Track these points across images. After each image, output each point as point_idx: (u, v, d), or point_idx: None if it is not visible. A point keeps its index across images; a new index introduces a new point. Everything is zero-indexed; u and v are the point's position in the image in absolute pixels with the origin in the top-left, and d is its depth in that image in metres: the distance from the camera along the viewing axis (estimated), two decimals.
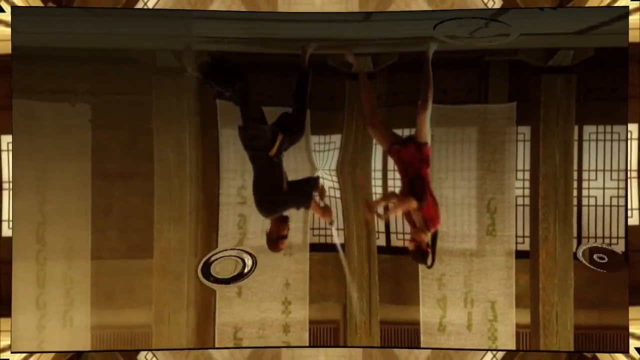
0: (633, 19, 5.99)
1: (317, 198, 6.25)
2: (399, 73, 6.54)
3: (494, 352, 6.41)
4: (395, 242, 6.64)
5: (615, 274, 6.32)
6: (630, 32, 5.99)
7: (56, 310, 6.28)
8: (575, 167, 6.42)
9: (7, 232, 6.17)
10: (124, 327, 6.41)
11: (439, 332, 6.62)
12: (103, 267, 6.35)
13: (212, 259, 6.55)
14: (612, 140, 6.37)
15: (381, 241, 6.64)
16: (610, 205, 6.40)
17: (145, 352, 6.34)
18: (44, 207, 6.26)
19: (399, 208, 6.13)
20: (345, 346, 6.58)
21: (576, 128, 6.40)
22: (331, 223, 6.37)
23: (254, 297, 6.68)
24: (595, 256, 6.35)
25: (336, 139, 6.29)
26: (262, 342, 6.57)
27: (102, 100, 6.35)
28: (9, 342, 6.09)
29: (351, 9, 6.09)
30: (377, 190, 6.50)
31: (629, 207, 6.27)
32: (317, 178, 6.38)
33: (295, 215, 6.38)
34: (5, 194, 6.19)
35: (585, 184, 6.44)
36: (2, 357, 6.07)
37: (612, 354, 6.21)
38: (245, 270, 6.55)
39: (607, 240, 6.43)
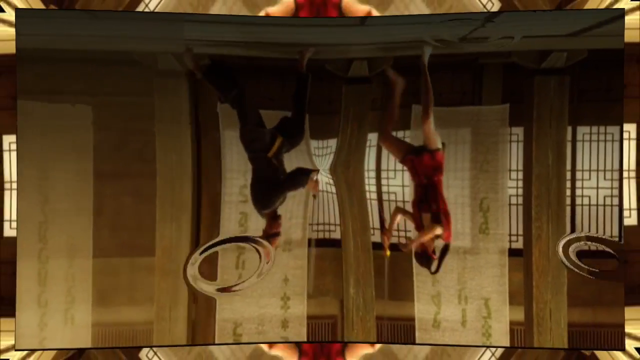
0: (633, 18, 5.11)
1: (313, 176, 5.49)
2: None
3: (493, 351, 5.54)
4: (391, 239, 5.68)
5: (610, 272, 5.35)
6: (630, 32, 5.12)
7: (58, 308, 5.39)
8: (568, 167, 5.50)
9: (8, 232, 5.33)
10: (125, 325, 5.50)
11: (434, 328, 5.69)
12: (105, 265, 5.46)
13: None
14: (605, 141, 5.43)
15: (376, 237, 5.72)
16: (604, 205, 5.46)
17: (147, 349, 5.51)
18: (46, 207, 5.36)
19: (424, 238, 5.46)
20: (343, 342, 5.65)
21: (570, 129, 5.48)
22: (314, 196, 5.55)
23: (253, 293, 5.70)
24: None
25: (332, 143, 5.49)
26: (261, 337, 5.66)
27: (104, 102, 5.45)
28: (9, 342, 5.25)
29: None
30: (370, 189, 5.61)
31: (626, 207, 5.35)
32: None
33: (295, 212, 5.60)
34: (6, 193, 5.33)
35: (579, 184, 5.51)
36: (2, 357, 5.25)
37: (610, 353, 5.33)
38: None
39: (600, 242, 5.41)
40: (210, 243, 5.54)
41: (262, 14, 5.34)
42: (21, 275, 5.23)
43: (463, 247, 5.67)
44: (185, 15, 5.34)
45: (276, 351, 5.63)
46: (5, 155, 5.32)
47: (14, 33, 5.13)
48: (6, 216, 5.32)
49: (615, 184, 5.34)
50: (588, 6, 5.16)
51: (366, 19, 5.36)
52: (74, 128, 5.39)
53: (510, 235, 5.57)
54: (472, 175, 5.60)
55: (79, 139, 5.39)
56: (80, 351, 5.40)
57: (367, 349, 5.63)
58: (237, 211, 5.59)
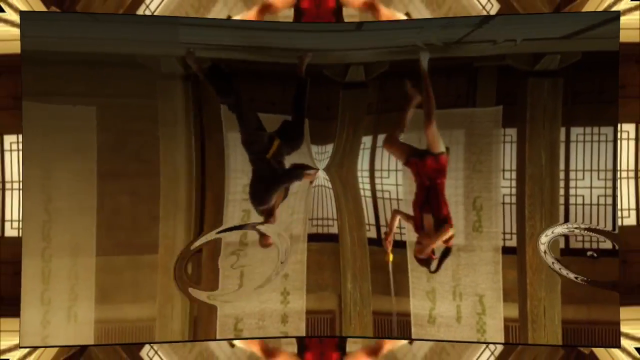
0: (631, 19, 4.28)
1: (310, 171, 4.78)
2: (390, 81, 4.81)
3: (492, 349, 4.69)
4: (392, 243, 4.83)
5: (604, 270, 4.51)
6: (629, 32, 4.29)
7: (61, 305, 4.53)
8: (562, 167, 4.63)
9: (9, 231, 4.51)
10: (128, 321, 4.64)
11: (429, 324, 4.80)
12: (107, 263, 4.60)
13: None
14: (599, 142, 4.56)
15: (372, 233, 4.89)
16: (598, 204, 4.58)
17: (148, 348, 4.65)
18: (49, 206, 4.51)
19: (440, 240, 4.66)
20: (340, 336, 4.80)
21: (564, 129, 4.61)
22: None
23: (254, 289, 4.81)
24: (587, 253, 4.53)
25: (330, 148, 4.74)
26: (261, 332, 4.80)
27: (108, 103, 4.62)
28: (10, 342, 4.44)
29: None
30: (364, 187, 4.82)
31: (624, 207, 4.49)
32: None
33: (297, 207, 4.80)
34: (8, 193, 4.50)
35: (572, 184, 4.62)
36: (3, 357, 4.44)
37: (609, 351, 4.47)
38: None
39: (594, 238, 4.58)
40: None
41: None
42: (26, 274, 4.40)
43: (457, 245, 4.77)
44: (181, 18, 4.58)
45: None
46: (7, 155, 4.49)
47: (15, 33, 4.36)
48: (7, 216, 4.49)
49: (609, 183, 4.48)
50: (587, 8, 4.32)
51: (362, 24, 4.60)
52: (77, 129, 4.55)
53: (504, 233, 4.70)
54: (466, 175, 4.76)
55: (83, 140, 4.54)
56: (82, 349, 4.52)
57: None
58: (240, 209, 4.80)
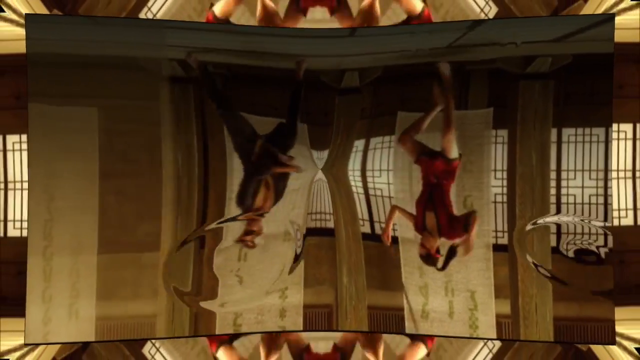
0: (629, 19, 3.52)
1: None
2: (384, 86, 4.02)
3: (490, 347, 3.93)
4: (379, 230, 4.10)
5: (596, 269, 3.73)
6: (627, 32, 3.53)
7: (63, 303, 3.73)
8: (554, 167, 3.83)
9: (12, 231, 3.74)
10: (130, 318, 3.84)
11: (423, 318, 4.00)
12: (109, 261, 3.80)
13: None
14: (590, 142, 3.76)
15: (366, 228, 4.12)
16: (590, 204, 3.78)
17: (150, 346, 3.88)
18: (52, 205, 3.71)
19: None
20: (338, 330, 4.01)
21: (556, 130, 3.82)
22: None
23: (254, 284, 4.04)
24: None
25: (325, 155, 3.90)
26: (260, 327, 4.00)
27: (109, 105, 3.84)
28: (13, 342, 3.65)
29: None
30: (357, 184, 4.04)
31: (622, 207, 3.71)
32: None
33: (297, 202, 4.03)
34: (10, 193, 3.74)
35: (564, 183, 3.82)
36: (3, 358, 3.66)
37: (607, 349, 3.68)
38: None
39: (586, 236, 3.79)
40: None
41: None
42: (32, 272, 3.64)
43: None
44: (180, 22, 3.86)
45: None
46: (9, 155, 3.73)
47: (18, 33, 3.63)
48: (10, 216, 3.74)
49: (601, 183, 3.70)
50: (585, 11, 3.59)
51: (356, 29, 3.88)
52: (80, 130, 3.79)
53: (496, 231, 3.92)
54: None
55: (85, 140, 3.78)
56: (84, 346, 3.76)
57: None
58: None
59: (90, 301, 3.67)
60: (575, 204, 3.70)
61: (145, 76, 3.77)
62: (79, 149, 3.70)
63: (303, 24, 3.82)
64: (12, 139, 3.68)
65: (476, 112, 3.91)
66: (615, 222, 3.48)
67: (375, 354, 3.90)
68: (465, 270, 3.91)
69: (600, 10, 3.37)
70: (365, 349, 3.93)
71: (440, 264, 3.88)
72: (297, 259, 4.01)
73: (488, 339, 3.70)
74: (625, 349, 3.42)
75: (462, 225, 3.85)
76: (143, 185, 3.81)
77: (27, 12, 3.51)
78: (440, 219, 3.88)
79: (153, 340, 3.74)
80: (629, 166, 3.43)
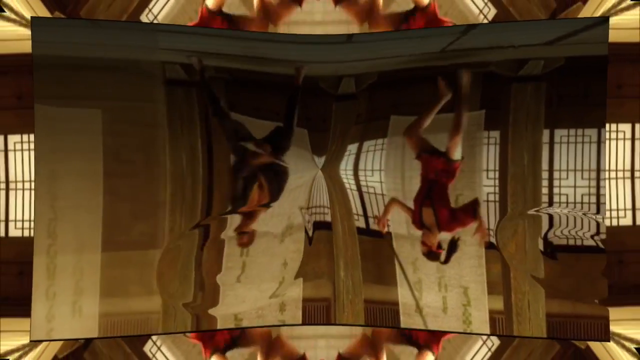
0: (628, 19, 2.83)
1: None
2: (379, 91, 3.34)
3: (489, 345, 3.26)
4: (374, 225, 3.42)
5: (590, 266, 3.04)
6: (625, 32, 2.86)
7: (67, 300, 3.06)
8: (546, 167, 3.16)
9: (14, 231, 3.07)
10: (134, 314, 3.17)
11: (417, 313, 3.32)
12: (113, 259, 3.13)
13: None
14: (583, 143, 3.09)
15: (360, 223, 3.43)
16: (582, 203, 3.10)
17: (151, 345, 3.21)
18: (55, 204, 3.05)
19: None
20: (335, 324, 3.32)
21: (548, 132, 3.15)
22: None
23: (255, 279, 3.36)
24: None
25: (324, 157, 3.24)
26: (260, 322, 3.31)
27: (114, 106, 3.16)
28: (17, 342, 2.98)
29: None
30: (349, 182, 3.35)
31: (620, 207, 3.04)
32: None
33: (298, 198, 3.34)
34: (12, 193, 3.07)
35: (556, 183, 3.15)
36: (3, 358, 2.97)
37: (606, 347, 3.02)
38: None
39: (578, 235, 3.11)
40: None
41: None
42: (37, 270, 3.01)
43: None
44: (179, 26, 3.19)
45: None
46: (11, 155, 3.07)
47: (20, 33, 3.00)
48: (11, 216, 3.07)
49: (593, 183, 3.05)
50: (583, 13, 2.95)
51: (352, 36, 3.22)
52: (84, 131, 3.13)
53: (488, 229, 3.24)
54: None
55: (89, 141, 3.12)
56: (86, 344, 3.10)
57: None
58: None
59: (93, 298, 3.03)
60: (567, 202, 3.05)
61: (148, 79, 3.14)
62: (83, 150, 3.07)
63: (299, 16, 3.10)
64: (13, 139, 3.04)
65: (469, 114, 3.25)
66: (614, 222, 2.82)
67: None
68: (458, 266, 3.26)
69: (599, 12, 2.71)
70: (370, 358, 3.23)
71: (442, 257, 3.23)
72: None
73: (481, 334, 3.02)
74: (623, 347, 2.73)
75: (469, 213, 3.18)
76: (146, 184, 3.18)
77: (28, 13, 2.87)
78: (439, 214, 3.22)
79: (154, 339, 3.06)
80: (627, 166, 2.75)
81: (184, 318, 3.12)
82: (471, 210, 3.22)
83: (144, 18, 3.01)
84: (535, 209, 3.09)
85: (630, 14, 2.69)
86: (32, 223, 2.93)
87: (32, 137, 2.92)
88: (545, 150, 3.07)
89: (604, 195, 2.93)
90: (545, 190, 3.06)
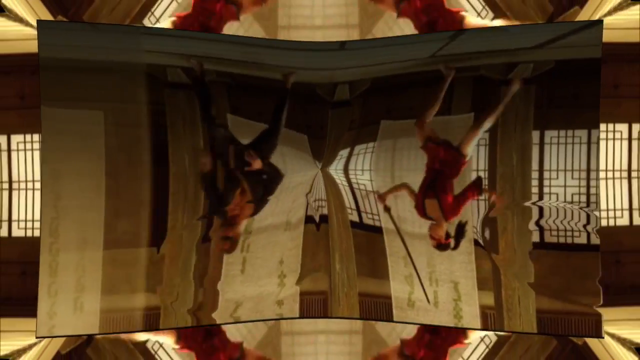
0: (625, 19, 2.32)
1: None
2: (372, 97, 2.81)
3: (487, 343, 2.76)
4: (366, 219, 2.89)
5: (580, 264, 2.51)
6: (622, 32, 2.33)
7: (68, 297, 2.52)
8: (536, 167, 2.63)
9: (16, 231, 2.53)
10: (133, 311, 2.61)
11: (409, 307, 2.80)
12: (115, 256, 2.58)
13: None
14: (573, 144, 2.57)
15: (354, 217, 2.90)
16: (572, 202, 2.58)
17: (153, 342, 2.69)
18: (58, 203, 2.51)
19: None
20: (330, 317, 2.80)
21: (538, 133, 2.62)
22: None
23: (254, 273, 2.82)
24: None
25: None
26: (258, 315, 2.77)
27: (115, 108, 2.62)
28: (20, 342, 2.44)
29: (352, 22, 2.58)
30: (341, 179, 2.82)
31: (617, 207, 2.52)
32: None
33: (299, 194, 2.79)
34: (15, 193, 2.53)
35: (546, 182, 2.62)
36: (3, 358, 2.43)
37: (605, 346, 2.51)
38: None
39: (569, 233, 2.57)
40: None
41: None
42: (44, 268, 2.49)
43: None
44: (178, 31, 2.69)
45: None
46: (14, 155, 2.56)
47: (22, 33, 2.50)
48: (14, 216, 2.55)
49: (583, 182, 2.54)
50: (580, 17, 2.47)
51: (345, 43, 2.71)
52: (87, 132, 2.60)
53: (476, 227, 2.72)
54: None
55: (92, 142, 2.59)
56: (88, 340, 2.60)
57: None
58: None
59: (95, 295, 2.53)
60: (558, 207, 2.50)
61: (151, 82, 2.64)
62: (86, 150, 2.57)
63: (299, 20, 2.57)
64: (16, 138, 2.54)
65: (459, 117, 2.75)
66: (611, 223, 2.27)
67: None
68: (448, 262, 2.75)
69: (597, 16, 2.12)
70: None
71: (452, 244, 2.70)
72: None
73: (472, 329, 2.45)
74: (621, 345, 2.17)
75: (474, 190, 2.65)
76: (149, 184, 2.67)
77: (30, 15, 2.21)
78: (444, 203, 2.67)
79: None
80: (625, 166, 2.18)
81: (185, 313, 2.54)
82: (476, 186, 2.68)
83: (146, 21, 2.44)
84: (526, 202, 2.50)
85: (628, 14, 2.14)
86: (35, 223, 2.37)
87: (35, 137, 2.38)
88: (536, 151, 2.58)
89: (594, 194, 2.36)
90: (535, 190, 2.47)
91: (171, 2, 2.51)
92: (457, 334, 2.60)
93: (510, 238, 2.59)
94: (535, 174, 2.55)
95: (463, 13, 2.55)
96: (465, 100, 2.68)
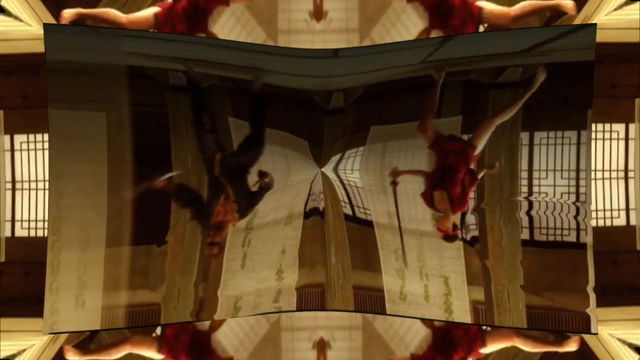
0: (626, 19, 1.82)
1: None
2: (365, 104, 2.36)
3: None
4: (359, 213, 2.45)
5: (568, 260, 2.05)
6: (620, 32, 1.85)
7: (70, 294, 2.04)
8: (526, 167, 2.16)
9: (19, 231, 2.08)
10: (135, 306, 2.15)
11: (401, 300, 2.34)
12: (118, 253, 2.10)
13: None
14: (562, 144, 2.10)
15: (347, 210, 2.46)
16: (562, 201, 2.10)
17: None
18: (60, 202, 2.03)
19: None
20: (324, 309, 2.34)
21: (528, 134, 2.14)
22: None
23: (255, 268, 2.37)
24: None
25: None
26: (257, 309, 2.32)
27: (119, 110, 2.14)
28: (22, 342, 1.95)
29: (352, 26, 2.13)
30: (334, 177, 2.36)
31: (614, 207, 2.05)
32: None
33: (301, 191, 2.34)
34: (18, 193, 2.07)
35: (535, 182, 2.16)
36: (3, 357, 1.92)
37: (603, 344, 2.02)
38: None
39: (558, 231, 2.11)
40: None
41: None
42: (51, 266, 2.05)
43: (420, 230, 2.39)
44: (179, 35, 2.23)
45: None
46: (17, 154, 2.14)
47: (25, 34, 2.06)
48: (17, 216, 2.12)
49: (572, 182, 2.11)
50: (577, 21, 2.04)
51: (338, 50, 2.26)
52: (90, 133, 2.16)
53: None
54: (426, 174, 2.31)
55: (94, 142, 2.16)
56: (91, 336, 2.18)
57: None
58: None
59: (96, 292, 2.12)
60: (547, 201, 2.07)
61: (154, 85, 2.23)
62: (88, 151, 2.15)
63: (299, 25, 2.15)
64: (19, 138, 2.14)
65: (448, 119, 2.34)
66: (608, 223, 1.82)
67: None
68: (437, 257, 2.34)
69: (597, 16, 1.67)
70: None
71: (460, 235, 2.28)
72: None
73: (462, 323, 1.99)
74: (620, 344, 1.71)
75: (473, 178, 2.23)
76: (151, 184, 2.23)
77: (29, 14, 1.78)
78: (453, 194, 2.24)
79: (158, 332, 2.00)
80: (621, 166, 1.74)
81: (185, 309, 2.10)
82: (473, 175, 2.25)
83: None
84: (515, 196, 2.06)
85: (624, 14, 1.69)
86: (39, 223, 1.92)
87: (38, 137, 1.93)
88: (525, 151, 2.16)
89: (584, 194, 1.90)
90: (524, 189, 2.01)
91: None
92: (470, 350, 2.13)
93: (499, 236, 2.12)
94: (524, 174, 2.06)
95: None
96: (455, 104, 2.20)
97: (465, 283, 2.21)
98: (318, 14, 2.22)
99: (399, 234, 2.27)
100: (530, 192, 2.11)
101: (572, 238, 2.01)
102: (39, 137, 2.02)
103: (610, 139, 2.02)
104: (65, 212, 2.06)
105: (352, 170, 2.58)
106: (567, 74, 2.03)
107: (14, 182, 2.03)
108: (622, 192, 1.95)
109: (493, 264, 2.15)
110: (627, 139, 1.98)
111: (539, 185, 2.08)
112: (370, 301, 2.37)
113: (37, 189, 2.03)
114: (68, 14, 1.90)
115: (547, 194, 2.06)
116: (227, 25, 2.24)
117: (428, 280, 2.31)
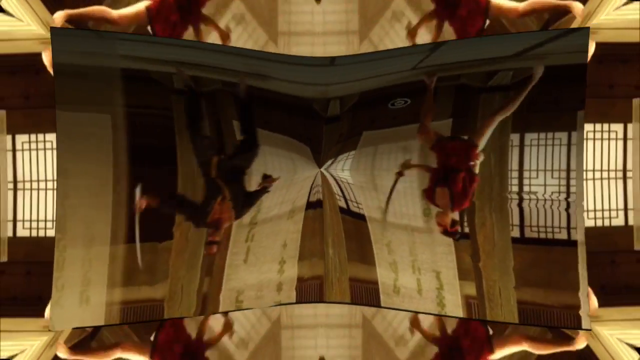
0: (624, 19, 1.41)
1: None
2: (359, 110, 1.95)
3: None
4: (353, 207, 2.04)
5: (559, 258, 1.63)
6: (617, 32, 1.42)
7: (75, 291, 1.62)
8: (516, 167, 1.75)
9: (21, 231, 1.60)
10: (139, 302, 1.72)
11: (394, 293, 1.95)
12: (122, 251, 1.67)
13: None
14: (553, 145, 1.69)
15: (341, 203, 2.04)
16: (552, 200, 1.70)
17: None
18: (65, 202, 1.62)
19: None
20: (323, 301, 1.94)
21: (518, 135, 1.73)
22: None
23: (257, 262, 1.97)
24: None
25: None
26: (259, 302, 1.92)
27: (123, 111, 1.70)
28: (23, 342, 1.49)
29: (352, 28, 1.67)
30: (329, 176, 1.97)
31: (612, 207, 1.64)
32: None
33: (303, 188, 1.94)
34: (19, 193, 1.60)
35: (526, 182, 1.76)
36: (3, 357, 1.46)
37: (603, 344, 1.58)
38: None
39: (549, 229, 1.72)
40: None
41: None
42: (57, 263, 1.68)
43: (411, 226, 2.04)
44: (178, 40, 1.84)
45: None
46: (19, 155, 1.75)
47: (27, 34, 1.65)
48: (19, 216, 1.74)
49: (563, 182, 1.75)
50: (576, 24, 1.66)
51: (335, 58, 1.88)
52: (95, 134, 1.79)
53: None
54: (419, 174, 2.01)
55: (100, 144, 1.78)
56: (93, 334, 1.80)
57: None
58: None
59: (100, 288, 1.79)
60: (537, 199, 1.75)
61: (159, 88, 1.88)
62: (94, 151, 1.82)
63: (299, 27, 1.77)
64: (21, 138, 1.79)
65: (438, 123, 2.01)
66: (606, 223, 1.46)
67: None
68: (429, 252, 2.02)
69: (594, 19, 1.29)
70: None
71: (460, 231, 1.94)
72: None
73: (455, 317, 1.60)
74: (620, 344, 1.34)
75: (471, 174, 1.88)
76: (158, 184, 1.90)
77: (29, 14, 1.40)
78: (455, 189, 1.91)
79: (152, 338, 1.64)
80: (620, 166, 1.38)
81: (189, 304, 1.71)
82: (473, 174, 1.92)
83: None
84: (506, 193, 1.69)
85: (622, 14, 1.33)
86: (40, 223, 1.52)
87: (40, 137, 1.55)
88: (516, 152, 1.84)
89: (574, 193, 1.53)
90: (515, 189, 1.62)
91: None
92: (478, 358, 1.75)
93: (490, 233, 1.74)
94: (515, 174, 1.68)
95: None
96: (447, 108, 1.83)
97: (456, 278, 1.85)
98: None
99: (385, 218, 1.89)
100: (520, 192, 1.73)
101: (564, 236, 1.64)
102: (40, 137, 1.65)
103: (609, 139, 1.68)
104: (70, 211, 1.72)
105: (342, 170, 2.22)
106: (559, 77, 1.66)
107: (15, 182, 1.67)
108: (620, 192, 1.62)
109: (484, 260, 1.77)
110: (625, 139, 1.64)
111: (530, 185, 1.70)
112: (366, 294, 1.99)
113: (38, 189, 1.66)
114: (59, 16, 1.50)
115: (537, 193, 1.68)
116: (227, 26, 1.85)
117: (420, 275, 1.94)
